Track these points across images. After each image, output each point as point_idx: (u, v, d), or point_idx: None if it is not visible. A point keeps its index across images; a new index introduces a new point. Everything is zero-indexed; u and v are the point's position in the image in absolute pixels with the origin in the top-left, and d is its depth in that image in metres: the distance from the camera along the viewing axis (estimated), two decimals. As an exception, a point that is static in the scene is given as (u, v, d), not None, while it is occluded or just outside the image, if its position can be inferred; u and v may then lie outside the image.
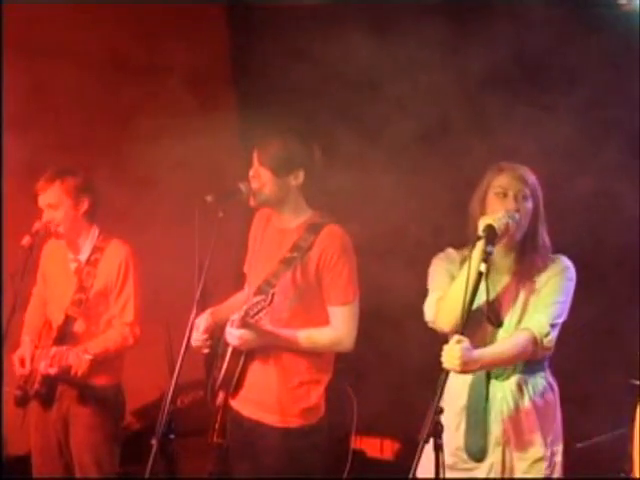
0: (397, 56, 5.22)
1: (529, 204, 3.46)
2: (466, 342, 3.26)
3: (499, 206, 3.43)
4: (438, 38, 5.10)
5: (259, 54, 6.06)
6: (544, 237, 3.50)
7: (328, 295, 3.74)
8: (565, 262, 3.51)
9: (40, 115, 5.57)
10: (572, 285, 3.49)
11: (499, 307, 3.49)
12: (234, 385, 3.81)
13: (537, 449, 3.45)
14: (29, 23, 5.58)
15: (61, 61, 5.72)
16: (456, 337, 3.27)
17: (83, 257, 4.52)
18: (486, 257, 3.36)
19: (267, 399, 3.79)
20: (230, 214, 3.63)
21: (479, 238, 3.39)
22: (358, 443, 5.18)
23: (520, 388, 3.48)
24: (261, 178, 3.76)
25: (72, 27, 5.80)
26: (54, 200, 4.43)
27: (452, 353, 3.26)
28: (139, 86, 5.95)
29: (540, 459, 3.45)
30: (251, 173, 3.78)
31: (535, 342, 3.39)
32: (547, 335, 3.40)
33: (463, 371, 3.28)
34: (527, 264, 3.48)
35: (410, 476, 3.18)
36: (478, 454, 3.47)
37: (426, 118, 5.11)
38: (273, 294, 3.57)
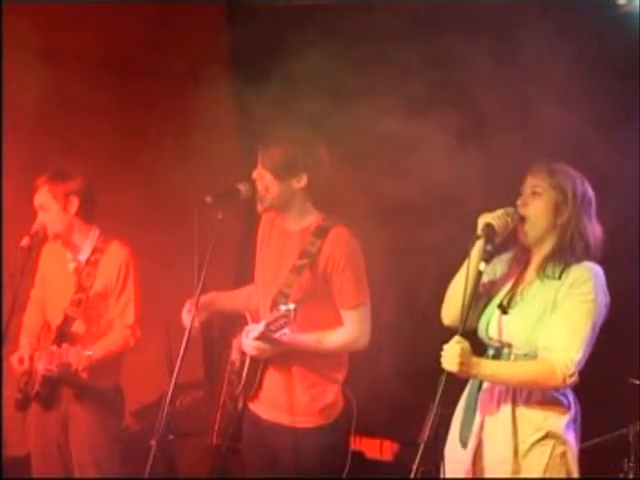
0: (397, 55, 5.22)
1: (542, 200, 3.41)
2: (465, 344, 3.26)
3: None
4: (436, 36, 5.11)
5: (259, 54, 6.05)
6: (574, 238, 3.38)
7: (338, 299, 3.75)
8: (590, 273, 3.35)
9: (40, 116, 5.56)
10: (598, 304, 3.34)
11: (516, 297, 3.45)
12: (255, 390, 3.83)
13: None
14: (29, 24, 5.57)
15: (60, 61, 5.72)
16: (456, 338, 3.27)
17: (83, 257, 4.52)
18: (486, 256, 3.37)
19: (284, 400, 3.79)
20: (229, 215, 3.63)
21: (478, 237, 3.39)
22: (357, 444, 5.18)
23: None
24: (264, 180, 3.75)
25: (72, 27, 5.80)
26: (43, 202, 4.45)
27: (451, 353, 3.26)
28: (138, 86, 5.95)
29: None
30: (254, 175, 3.77)
31: (557, 380, 3.30)
32: (571, 376, 3.30)
33: (461, 373, 3.26)
34: (547, 261, 3.41)
35: (411, 477, 3.20)
36: (465, 441, 3.47)
37: (427, 114, 5.12)
38: (296, 310, 3.55)
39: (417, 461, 3.19)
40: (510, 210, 3.44)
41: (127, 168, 5.83)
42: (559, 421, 3.39)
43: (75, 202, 4.46)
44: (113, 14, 5.79)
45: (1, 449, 5.01)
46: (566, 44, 4.81)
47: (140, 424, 5.68)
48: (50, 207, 4.44)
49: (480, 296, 3.53)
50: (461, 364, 3.24)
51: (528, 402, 3.38)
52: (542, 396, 3.39)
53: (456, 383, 3.31)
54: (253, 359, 3.79)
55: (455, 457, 3.48)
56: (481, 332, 3.51)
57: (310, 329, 3.75)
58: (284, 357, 3.76)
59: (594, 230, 3.44)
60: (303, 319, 3.73)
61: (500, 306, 3.46)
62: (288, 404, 3.77)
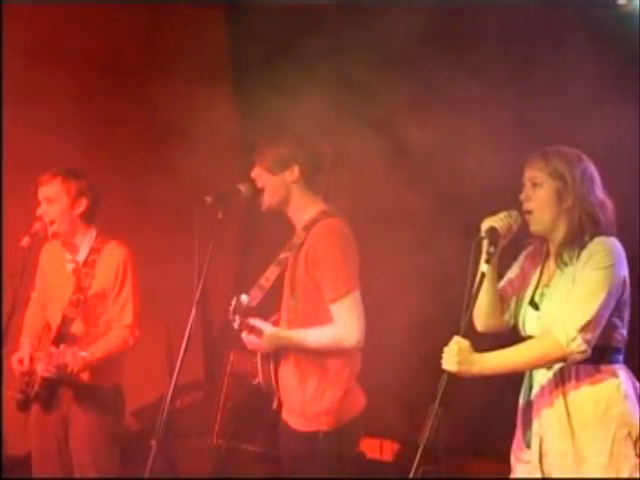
0: (398, 56, 5.22)
1: (543, 190, 3.39)
2: (464, 343, 3.25)
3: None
4: (434, 35, 5.11)
5: (259, 54, 6.06)
6: (583, 220, 3.35)
7: (324, 293, 3.70)
8: (604, 244, 3.33)
9: (40, 116, 5.57)
10: (611, 272, 3.28)
11: (544, 290, 3.44)
12: (275, 388, 3.81)
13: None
14: (29, 23, 5.58)
15: (60, 61, 5.73)
16: (455, 338, 3.26)
17: (80, 258, 4.52)
18: (489, 258, 3.36)
19: (291, 402, 3.77)
20: (230, 215, 3.63)
21: (481, 239, 3.39)
22: (357, 444, 5.18)
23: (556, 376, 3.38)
24: (261, 178, 3.77)
25: (72, 27, 5.81)
26: (52, 194, 4.45)
27: (449, 354, 3.25)
28: (138, 87, 5.95)
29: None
30: (253, 174, 3.79)
31: (560, 348, 3.25)
32: (574, 340, 3.24)
33: (461, 372, 3.24)
34: (562, 247, 3.39)
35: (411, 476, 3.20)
36: (528, 442, 3.45)
37: (426, 116, 5.12)
38: (238, 299, 3.53)
39: (417, 461, 3.18)
40: (513, 212, 3.43)
41: (127, 168, 5.83)
42: (614, 400, 3.32)
43: (84, 203, 4.47)
44: (113, 14, 5.80)
45: (1, 449, 5.02)
46: (566, 44, 4.81)
47: (140, 424, 5.68)
48: (59, 201, 4.44)
49: (509, 295, 3.54)
50: (460, 363, 3.22)
51: (578, 388, 3.34)
52: (590, 378, 3.33)
53: (457, 384, 3.30)
54: (262, 357, 3.78)
55: (523, 458, 3.47)
56: (521, 331, 3.50)
57: (304, 325, 3.72)
58: (288, 358, 3.74)
59: (602, 204, 3.40)
60: (298, 315, 3.73)
61: (531, 303, 3.45)
62: (293, 405, 3.75)
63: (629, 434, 3.31)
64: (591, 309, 3.26)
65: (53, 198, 4.44)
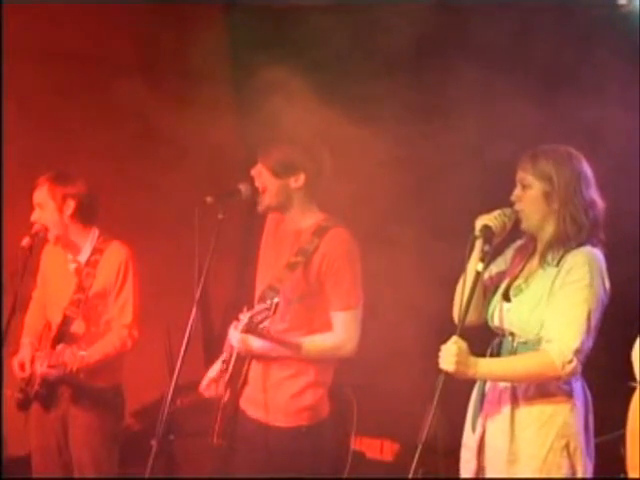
0: (399, 54, 5.23)
1: (532, 192, 3.39)
2: (463, 344, 3.25)
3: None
4: (432, 34, 5.12)
5: (259, 54, 6.06)
6: (567, 225, 3.35)
7: (331, 300, 3.72)
8: (586, 258, 3.32)
9: (40, 116, 5.57)
10: (597, 290, 3.31)
11: (520, 286, 3.44)
12: (240, 384, 3.81)
13: None
14: (29, 23, 5.58)
15: (60, 61, 5.73)
16: (454, 338, 3.26)
17: (83, 258, 4.54)
18: (484, 256, 3.37)
19: (267, 398, 3.78)
20: (230, 215, 3.64)
21: (476, 238, 3.40)
22: (358, 444, 5.18)
23: None
24: (262, 178, 3.76)
25: (71, 27, 5.81)
26: (41, 200, 4.49)
27: (448, 353, 3.25)
28: (138, 87, 5.95)
29: None
30: (253, 172, 3.78)
31: (555, 370, 3.27)
32: (570, 362, 3.26)
33: (458, 373, 3.25)
34: (548, 248, 3.40)
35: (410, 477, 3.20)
36: (474, 427, 3.47)
37: (426, 114, 5.12)
38: (277, 304, 3.52)
39: (415, 461, 3.19)
40: (507, 210, 3.44)
41: (128, 168, 5.84)
42: (561, 411, 3.35)
43: (71, 205, 4.48)
44: (113, 14, 5.80)
45: (1, 449, 5.02)
46: (566, 44, 4.81)
47: (140, 424, 5.69)
48: (46, 206, 4.48)
49: (488, 288, 3.54)
50: (458, 363, 3.23)
51: (527, 392, 3.36)
52: (542, 385, 3.35)
53: (455, 383, 3.31)
54: (240, 353, 3.78)
55: (467, 443, 3.50)
56: (489, 321, 3.51)
57: (301, 329, 3.74)
58: (280, 359, 3.75)
59: (590, 205, 3.38)
60: (295, 319, 3.74)
61: (504, 294, 3.46)
62: (269, 402, 3.76)
63: (567, 445, 3.34)
64: (583, 330, 3.27)
65: (42, 204, 4.49)
